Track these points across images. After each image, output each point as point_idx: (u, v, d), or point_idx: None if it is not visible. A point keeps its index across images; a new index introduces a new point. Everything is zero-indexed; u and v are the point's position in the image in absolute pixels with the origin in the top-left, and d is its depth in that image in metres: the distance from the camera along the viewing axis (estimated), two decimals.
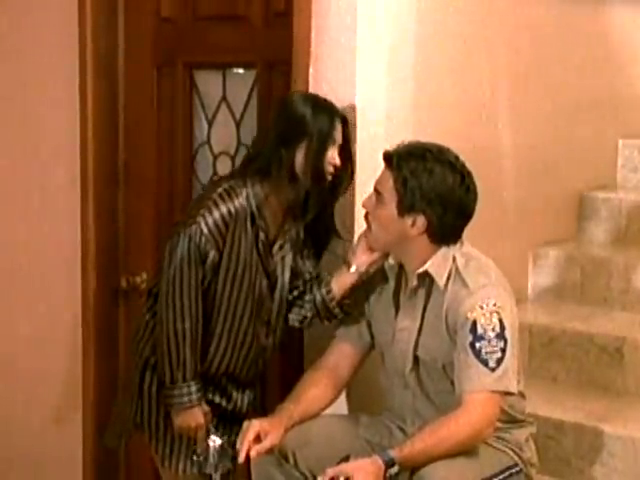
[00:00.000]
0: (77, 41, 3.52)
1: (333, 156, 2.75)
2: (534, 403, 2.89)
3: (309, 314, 2.87)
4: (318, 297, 2.83)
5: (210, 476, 2.77)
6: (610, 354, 3.36)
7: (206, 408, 2.82)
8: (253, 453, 2.58)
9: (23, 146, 3.80)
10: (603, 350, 3.37)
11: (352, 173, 2.85)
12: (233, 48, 3.28)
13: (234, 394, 2.92)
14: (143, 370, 2.90)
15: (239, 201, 2.74)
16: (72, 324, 3.65)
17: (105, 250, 3.60)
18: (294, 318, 2.89)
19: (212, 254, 2.73)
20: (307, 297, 2.86)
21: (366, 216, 2.68)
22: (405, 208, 2.58)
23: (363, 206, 2.68)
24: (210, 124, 3.43)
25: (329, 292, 2.81)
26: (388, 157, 2.62)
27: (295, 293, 2.90)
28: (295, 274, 2.89)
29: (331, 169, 2.76)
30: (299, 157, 2.74)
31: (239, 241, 2.76)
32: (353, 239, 2.90)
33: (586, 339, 3.41)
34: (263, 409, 2.98)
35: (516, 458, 2.67)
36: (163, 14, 3.43)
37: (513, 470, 2.65)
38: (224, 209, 2.73)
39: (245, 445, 2.59)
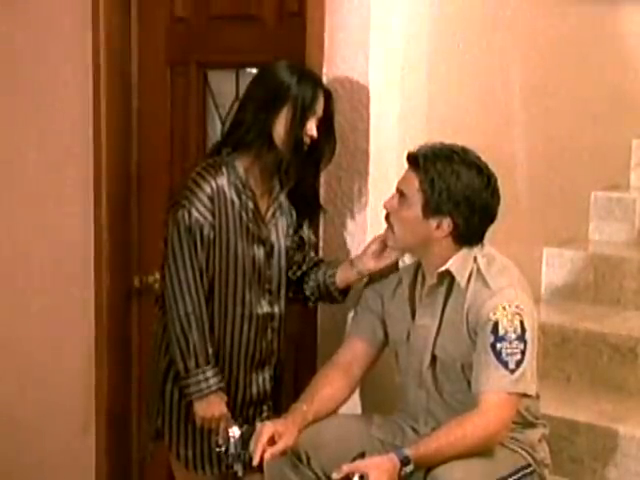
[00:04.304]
0: (90, 41, 3.53)
1: (311, 127, 2.77)
2: (547, 403, 2.88)
3: (312, 297, 2.93)
4: (321, 281, 2.88)
5: (232, 466, 2.76)
6: (623, 354, 3.35)
7: (225, 397, 2.82)
8: (267, 455, 2.57)
9: (36, 147, 3.81)
10: (616, 350, 3.37)
11: (334, 148, 2.86)
12: (246, 48, 3.28)
13: (253, 375, 2.92)
14: (165, 373, 2.91)
15: (220, 175, 2.78)
16: (86, 323, 3.66)
17: (118, 249, 3.61)
18: (307, 289, 2.92)
19: (206, 231, 2.76)
20: (311, 282, 2.90)
21: (387, 217, 2.67)
22: (431, 210, 2.57)
23: (385, 207, 2.66)
24: (223, 123, 3.43)
25: (333, 283, 2.86)
26: (413, 158, 2.61)
27: (298, 273, 2.93)
28: (297, 245, 2.92)
29: (307, 140, 2.78)
30: (278, 124, 2.76)
31: (226, 214, 2.79)
32: (366, 228, 2.94)
33: (599, 339, 3.40)
34: (281, 390, 3.01)
35: (529, 458, 2.67)
36: (176, 14, 3.44)
37: (526, 470, 2.64)
38: (206, 186, 2.76)
39: (259, 448, 2.58)
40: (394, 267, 2.81)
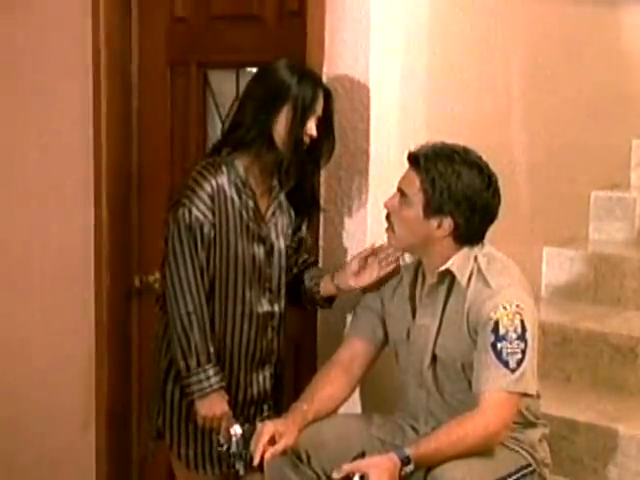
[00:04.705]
0: (91, 41, 3.53)
1: (310, 127, 2.77)
2: (547, 403, 2.89)
3: (301, 300, 2.96)
4: (307, 288, 2.91)
5: (234, 465, 2.77)
6: (624, 354, 3.35)
7: (227, 396, 2.82)
8: (268, 455, 2.58)
9: (36, 147, 3.81)
10: (617, 350, 3.37)
11: (333, 148, 2.87)
12: (247, 47, 3.28)
13: (254, 374, 2.92)
14: (166, 373, 2.91)
15: (220, 174, 2.79)
16: (86, 323, 3.66)
17: (118, 249, 3.61)
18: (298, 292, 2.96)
19: (206, 229, 2.77)
20: (300, 287, 2.93)
21: (387, 217, 2.66)
22: (432, 210, 2.57)
23: (385, 207, 2.66)
24: (223, 123, 3.43)
25: (317, 292, 2.89)
26: (414, 158, 2.60)
27: (289, 276, 2.94)
28: (296, 246, 2.93)
29: (307, 140, 2.78)
30: (278, 124, 2.76)
31: (226, 213, 2.79)
32: (366, 228, 2.94)
33: (600, 339, 3.40)
34: (281, 389, 3.01)
35: (529, 458, 2.67)
36: (177, 14, 3.44)
37: (526, 470, 2.64)
38: (207, 185, 2.77)
39: (259, 447, 2.58)
40: (397, 271, 2.80)
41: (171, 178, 3.49)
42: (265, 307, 2.89)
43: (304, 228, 2.97)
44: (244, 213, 2.82)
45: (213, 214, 2.78)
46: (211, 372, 2.79)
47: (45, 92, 3.75)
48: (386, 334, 2.79)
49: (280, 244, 2.90)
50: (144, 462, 3.57)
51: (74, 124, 3.65)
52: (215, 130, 3.44)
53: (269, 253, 2.88)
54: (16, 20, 3.77)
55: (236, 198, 2.81)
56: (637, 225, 4.01)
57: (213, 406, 2.80)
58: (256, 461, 2.59)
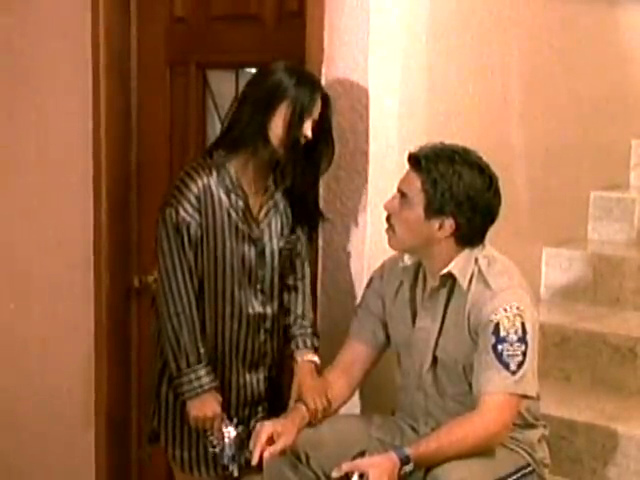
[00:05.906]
0: (90, 41, 3.53)
1: (307, 127, 2.76)
2: (547, 403, 2.89)
3: None
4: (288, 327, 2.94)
5: (227, 467, 2.77)
6: (623, 354, 3.36)
7: (219, 397, 2.82)
8: (266, 455, 2.58)
9: (36, 147, 3.81)
10: (616, 350, 3.37)
11: (332, 154, 2.86)
12: (246, 48, 3.29)
13: (247, 375, 2.92)
14: (160, 375, 2.91)
15: (208, 174, 2.78)
16: (86, 323, 3.66)
17: (118, 249, 3.62)
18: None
19: (193, 229, 2.76)
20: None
21: (388, 218, 2.65)
22: (433, 211, 2.56)
23: (386, 208, 2.65)
24: (222, 123, 3.43)
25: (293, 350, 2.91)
26: (414, 159, 2.60)
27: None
28: (291, 247, 2.91)
29: (302, 140, 2.77)
30: (274, 124, 2.75)
31: (213, 212, 2.79)
32: (366, 229, 2.96)
33: (599, 339, 3.40)
34: (280, 390, 3.01)
35: (529, 458, 2.67)
36: (176, 14, 3.45)
37: (526, 470, 2.65)
38: (193, 186, 2.77)
39: (258, 447, 2.58)
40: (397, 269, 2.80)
41: (170, 178, 3.48)
42: (257, 309, 2.88)
43: (300, 233, 2.94)
44: (233, 213, 2.81)
45: (200, 214, 2.77)
46: (202, 372, 2.78)
47: (45, 92, 3.75)
48: (387, 336, 2.79)
49: (273, 245, 2.87)
50: (142, 463, 3.58)
51: (74, 124, 3.65)
52: (214, 130, 3.45)
53: (261, 254, 2.87)
54: (15, 19, 3.77)
55: (224, 198, 2.80)
56: (636, 225, 4.02)
57: (204, 407, 2.79)
58: (255, 461, 2.59)
